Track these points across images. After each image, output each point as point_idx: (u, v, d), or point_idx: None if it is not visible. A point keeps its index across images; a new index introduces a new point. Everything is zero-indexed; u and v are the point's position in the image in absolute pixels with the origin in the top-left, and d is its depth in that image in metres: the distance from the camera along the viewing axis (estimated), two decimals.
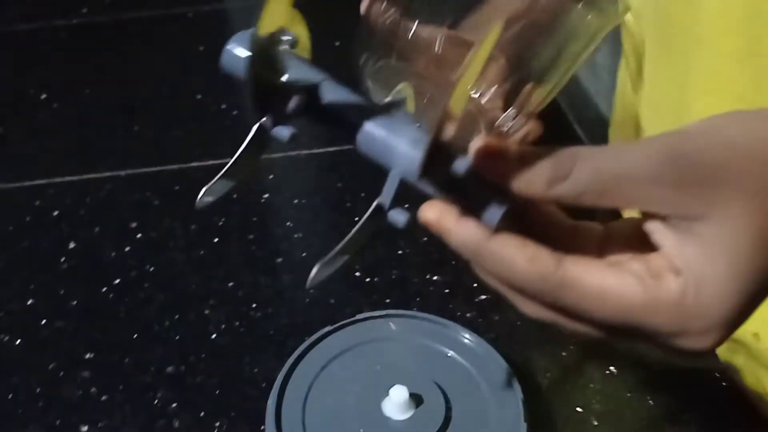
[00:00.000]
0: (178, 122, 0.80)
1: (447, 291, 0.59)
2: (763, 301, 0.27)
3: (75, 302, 0.60)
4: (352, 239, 0.29)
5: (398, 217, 0.29)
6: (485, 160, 0.26)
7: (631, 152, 0.26)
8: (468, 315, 0.57)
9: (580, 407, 0.51)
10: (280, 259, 0.64)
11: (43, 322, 0.58)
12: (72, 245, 0.65)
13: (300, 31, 0.32)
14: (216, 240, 0.65)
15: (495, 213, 0.26)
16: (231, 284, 0.61)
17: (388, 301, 0.59)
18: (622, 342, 0.29)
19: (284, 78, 0.29)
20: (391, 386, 0.46)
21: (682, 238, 0.26)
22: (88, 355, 0.56)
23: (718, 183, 0.25)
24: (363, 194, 0.68)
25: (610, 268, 0.27)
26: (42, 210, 0.69)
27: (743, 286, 0.26)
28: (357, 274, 0.61)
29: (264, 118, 0.29)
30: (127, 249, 0.65)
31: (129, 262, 0.63)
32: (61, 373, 0.54)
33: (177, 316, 0.59)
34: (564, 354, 0.54)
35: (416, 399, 0.47)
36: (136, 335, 0.57)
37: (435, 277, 0.60)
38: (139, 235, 0.66)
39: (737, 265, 0.26)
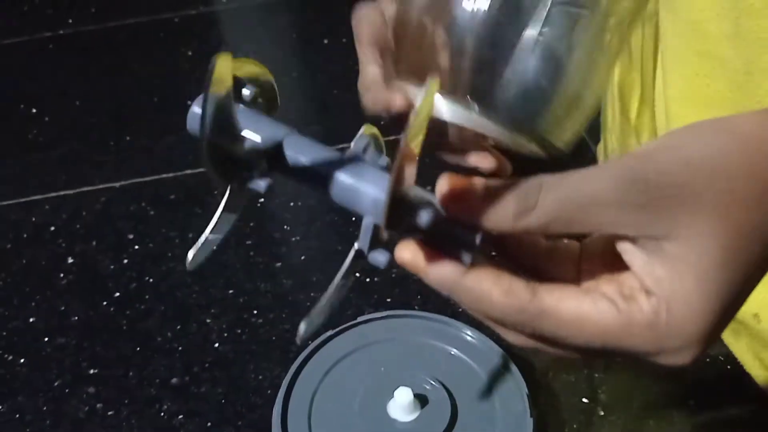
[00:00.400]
0: (170, 129, 0.80)
1: None
2: (737, 312, 0.28)
3: (76, 318, 0.60)
4: (338, 287, 0.29)
5: (378, 257, 0.29)
6: (451, 204, 0.27)
7: (594, 178, 0.26)
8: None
9: (586, 398, 0.51)
10: (279, 264, 0.64)
11: (46, 339, 0.58)
12: (70, 260, 0.65)
13: (261, 76, 0.32)
14: (214, 248, 0.65)
15: (468, 250, 0.27)
16: (231, 291, 0.61)
17: (389, 300, 0.59)
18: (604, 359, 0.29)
19: (245, 144, 0.29)
20: (396, 388, 0.46)
21: (651, 258, 0.27)
22: (92, 371, 0.56)
23: (680, 202, 0.26)
24: None
25: (584, 295, 0.27)
26: (38, 226, 0.69)
27: (713, 302, 0.26)
28: (357, 274, 0.61)
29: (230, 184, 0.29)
30: (126, 261, 0.64)
31: (128, 275, 0.63)
32: (67, 390, 0.55)
33: (179, 327, 0.59)
34: None
35: (421, 399, 0.47)
36: (138, 348, 0.57)
37: None
38: (136, 247, 0.66)
39: (705, 282, 0.26)
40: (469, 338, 0.50)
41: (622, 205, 0.26)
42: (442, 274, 0.27)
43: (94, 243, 0.67)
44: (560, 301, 0.27)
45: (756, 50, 0.40)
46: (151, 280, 0.63)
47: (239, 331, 0.58)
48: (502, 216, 0.26)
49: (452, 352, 0.50)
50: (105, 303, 0.61)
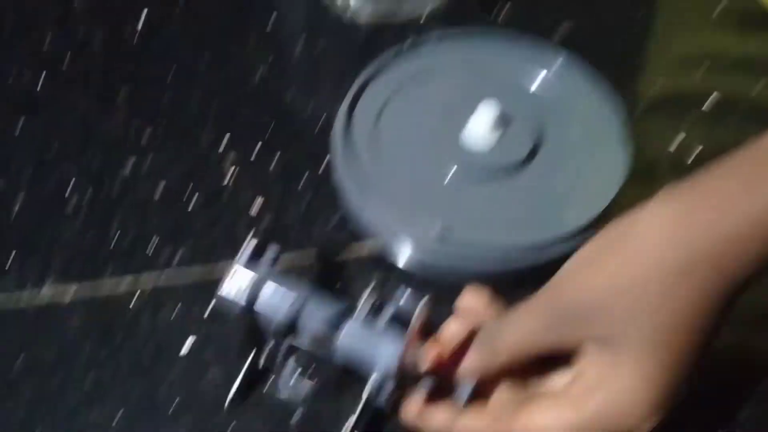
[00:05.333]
0: None
1: None
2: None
3: (99, 40, 0.53)
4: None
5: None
6: (434, 375, 0.34)
7: (525, 319, 0.33)
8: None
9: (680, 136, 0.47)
10: None
11: (68, 56, 0.52)
12: None
13: None
14: None
15: (463, 391, 0.34)
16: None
17: None
18: None
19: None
20: (479, 101, 0.41)
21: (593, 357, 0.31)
22: (123, 89, 0.50)
23: (589, 319, 0.30)
24: None
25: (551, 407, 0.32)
26: None
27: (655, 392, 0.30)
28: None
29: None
30: None
31: None
32: (96, 109, 0.49)
33: (214, 53, 0.52)
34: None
35: (504, 120, 0.42)
36: (171, 75, 0.51)
37: None
38: None
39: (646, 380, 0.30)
40: (558, 60, 0.44)
41: (545, 333, 0.32)
42: (440, 419, 0.34)
43: None
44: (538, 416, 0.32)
45: None
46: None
47: (284, 59, 0.52)
48: (473, 368, 0.34)
49: (541, 74, 0.44)
50: (129, 28, 0.54)
